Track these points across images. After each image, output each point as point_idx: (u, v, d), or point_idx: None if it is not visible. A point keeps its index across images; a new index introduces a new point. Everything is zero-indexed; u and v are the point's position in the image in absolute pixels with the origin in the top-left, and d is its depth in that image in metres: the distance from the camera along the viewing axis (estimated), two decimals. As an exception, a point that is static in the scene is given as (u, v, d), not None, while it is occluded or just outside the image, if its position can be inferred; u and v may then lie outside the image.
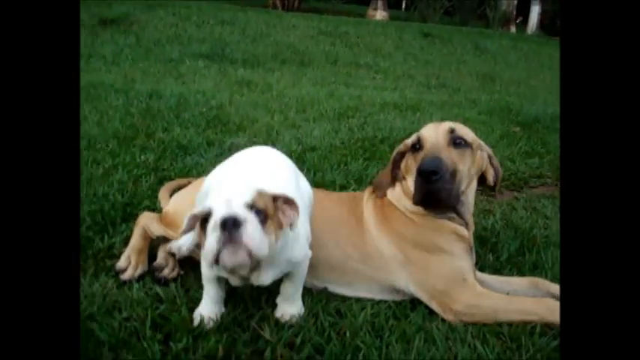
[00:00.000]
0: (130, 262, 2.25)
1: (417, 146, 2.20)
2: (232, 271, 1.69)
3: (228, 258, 1.54)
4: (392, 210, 2.23)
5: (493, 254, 2.56)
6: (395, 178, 2.31)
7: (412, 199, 2.13)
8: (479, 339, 1.87)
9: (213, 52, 8.91)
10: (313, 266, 2.17)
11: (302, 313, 1.98)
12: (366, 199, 2.34)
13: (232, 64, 8.38)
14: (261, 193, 1.64)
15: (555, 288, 2.23)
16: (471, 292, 2.05)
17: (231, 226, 1.52)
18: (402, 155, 2.32)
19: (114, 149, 3.82)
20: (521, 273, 2.41)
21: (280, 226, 1.70)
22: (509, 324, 1.96)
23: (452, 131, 2.16)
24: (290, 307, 1.97)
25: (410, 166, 2.24)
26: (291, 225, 1.71)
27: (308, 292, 2.13)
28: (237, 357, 1.71)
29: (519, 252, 2.63)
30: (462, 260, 2.14)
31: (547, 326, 1.96)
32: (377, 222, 2.24)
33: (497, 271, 2.41)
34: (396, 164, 2.32)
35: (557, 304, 2.02)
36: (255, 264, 1.65)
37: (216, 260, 1.56)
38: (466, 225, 2.22)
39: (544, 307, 2.01)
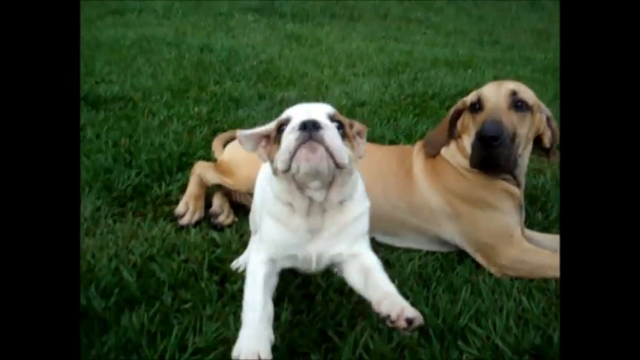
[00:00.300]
0: (188, 208, 2.36)
1: (477, 106, 2.15)
2: (307, 179, 1.48)
3: (306, 155, 1.37)
4: (443, 165, 2.24)
5: (542, 213, 2.55)
6: (451, 137, 2.28)
7: (470, 161, 2.13)
8: (524, 293, 1.90)
9: (262, 6, 8.89)
10: None
11: None
12: (416, 152, 2.35)
13: (281, 18, 8.36)
14: (337, 113, 1.56)
15: (604, 248, 2.22)
16: (517, 248, 2.07)
17: (311, 127, 1.38)
18: (459, 114, 2.28)
19: (168, 101, 3.93)
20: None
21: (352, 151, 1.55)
22: (557, 281, 1.98)
23: (514, 93, 2.10)
24: None
25: (467, 125, 2.21)
26: (360, 156, 1.63)
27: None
28: (289, 299, 1.80)
29: (569, 211, 2.61)
30: (510, 217, 2.15)
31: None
32: (426, 175, 2.25)
33: (545, 229, 2.41)
34: (453, 122, 2.29)
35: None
36: (332, 176, 1.50)
37: (291, 162, 1.40)
38: (518, 184, 2.21)
39: None
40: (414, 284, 1.91)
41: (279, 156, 1.42)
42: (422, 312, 1.67)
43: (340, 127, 1.50)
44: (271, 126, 1.58)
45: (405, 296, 1.80)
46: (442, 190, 2.20)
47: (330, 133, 1.40)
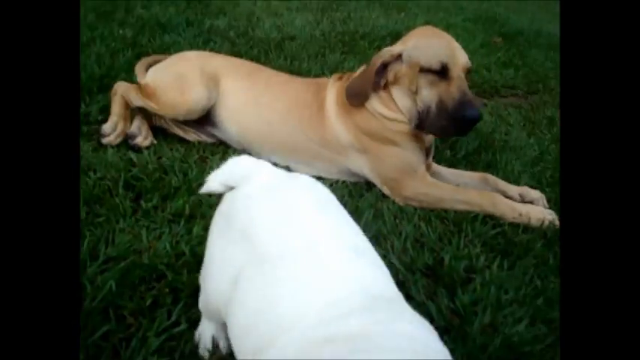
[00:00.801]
0: (115, 128, 2.35)
1: (440, 72, 2.17)
2: None
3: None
4: None
5: (451, 151, 2.72)
6: (376, 88, 2.29)
7: (418, 125, 2.24)
8: (424, 220, 2.05)
9: None
10: (277, 143, 2.34)
11: None
12: (330, 86, 2.42)
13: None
14: None
15: (503, 185, 2.41)
16: (420, 182, 2.22)
17: None
18: (385, 66, 2.27)
19: (92, 22, 3.79)
20: (475, 170, 2.57)
21: None
22: (455, 211, 2.15)
23: (469, 70, 2.25)
24: None
25: (406, 80, 2.22)
26: None
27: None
28: (202, 216, 1.87)
29: (476, 151, 2.78)
30: (415, 155, 2.28)
31: (488, 216, 2.15)
32: (338, 111, 2.34)
33: (452, 165, 2.57)
34: (379, 74, 2.27)
35: (501, 199, 2.20)
36: None
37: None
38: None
39: (488, 200, 2.19)
40: (323, 208, 2.02)
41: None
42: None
43: None
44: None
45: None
46: (352, 126, 2.30)
47: None
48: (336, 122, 2.33)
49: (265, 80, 2.52)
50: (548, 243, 2.02)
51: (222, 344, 1.35)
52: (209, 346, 1.34)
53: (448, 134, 2.31)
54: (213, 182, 1.31)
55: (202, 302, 1.32)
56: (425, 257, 1.80)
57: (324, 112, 2.36)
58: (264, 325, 0.92)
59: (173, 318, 1.45)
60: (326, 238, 1.03)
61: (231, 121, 2.48)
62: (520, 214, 2.15)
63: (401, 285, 1.64)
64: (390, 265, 1.71)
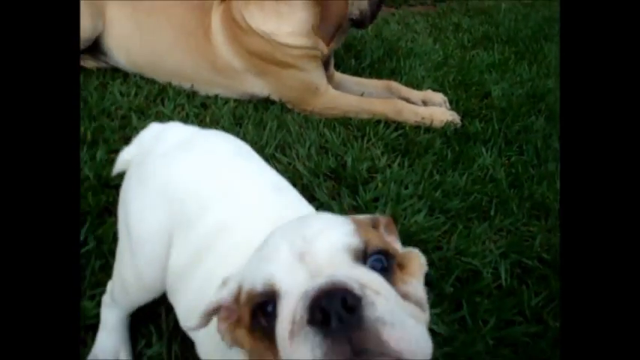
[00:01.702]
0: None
1: None
2: None
3: None
4: (243, 29, 2.23)
5: (356, 60, 2.74)
6: None
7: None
8: (329, 128, 2.09)
9: None
10: (168, 72, 2.31)
11: None
12: (215, 9, 2.33)
13: None
14: (356, 219, 0.73)
15: (406, 91, 2.47)
16: (324, 97, 2.25)
17: (345, 312, 0.54)
18: None
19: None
20: (380, 78, 2.61)
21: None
22: (361, 119, 2.20)
23: None
24: None
25: None
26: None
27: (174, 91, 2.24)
28: (105, 140, 1.82)
29: (381, 59, 2.82)
30: (313, 74, 2.28)
31: (393, 122, 2.22)
32: (225, 36, 2.27)
33: (357, 74, 2.60)
34: None
35: (404, 105, 2.26)
36: None
37: None
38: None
39: (392, 108, 2.24)
40: (226, 121, 2.02)
41: None
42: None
43: (378, 258, 0.64)
44: (224, 293, 0.71)
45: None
46: (243, 52, 2.25)
47: (388, 310, 0.56)
48: (225, 48, 2.27)
49: (149, 7, 2.38)
50: (447, 141, 2.11)
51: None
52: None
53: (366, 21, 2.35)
54: (124, 156, 1.26)
55: (121, 287, 1.15)
56: (329, 161, 1.85)
57: (210, 38, 2.28)
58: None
59: (81, 237, 1.44)
60: (244, 180, 1.03)
61: (120, 51, 2.38)
62: (423, 118, 2.22)
63: (305, 188, 1.69)
64: (295, 172, 1.76)
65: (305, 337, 0.53)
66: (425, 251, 1.50)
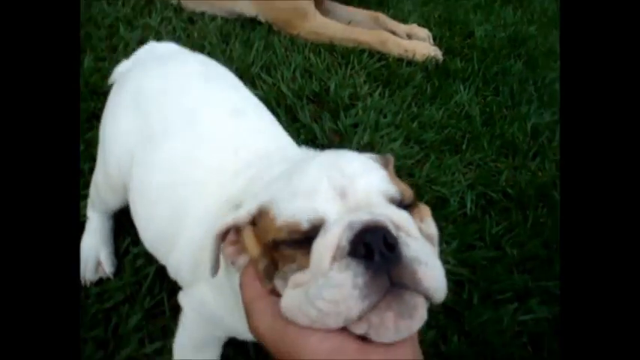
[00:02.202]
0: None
1: None
2: None
3: (395, 325, 0.57)
4: None
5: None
6: None
7: None
8: (314, 52, 2.12)
9: None
10: None
11: None
12: None
13: None
14: (386, 158, 0.79)
15: (393, 24, 2.49)
16: (311, 22, 2.27)
17: (386, 249, 0.58)
18: None
19: None
20: (367, 9, 2.62)
21: None
22: (347, 47, 2.23)
23: None
24: None
25: None
26: None
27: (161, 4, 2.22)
28: (92, 49, 1.82)
29: (370, -10, 2.82)
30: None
31: (377, 52, 2.25)
32: None
33: (346, 3, 2.60)
34: None
35: (388, 36, 2.30)
36: None
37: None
38: None
39: (377, 39, 2.27)
40: (213, 38, 2.03)
41: (315, 297, 0.59)
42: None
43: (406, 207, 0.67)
44: (242, 214, 0.73)
45: (203, 47, 1.93)
46: None
47: (419, 248, 0.61)
48: None
49: None
50: (427, 75, 2.17)
51: (106, 266, 1.25)
52: (90, 275, 1.23)
53: None
54: (119, 69, 1.31)
55: (94, 188, 1.23)
56: (312, 85, 1.90)
57: None
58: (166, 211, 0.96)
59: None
60: (205, 106, 1.04)
61: None
62: (406, 50, 2.26)
63: (289, 110, 1.75)
64: (279, 93, 1.80)
65: (347, 266, 0.57)
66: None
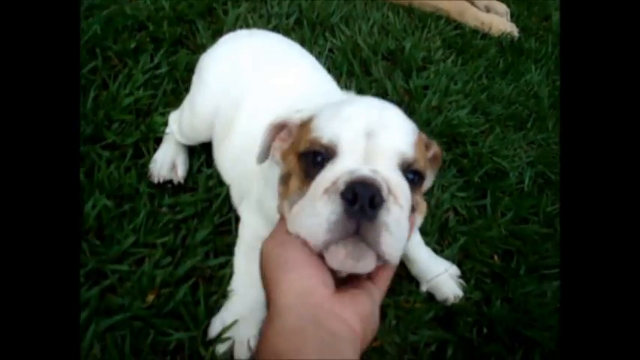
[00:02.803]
0: None
1: None
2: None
3: (345, 260, 0.69)
4: None
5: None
6: None
7: None
8: (393, 11, 2.13)
9: None
10: None
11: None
12: None
13: None
14: (419, 135, 0.83)
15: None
16: None
17: (367, 204, 0.67)
18: None
19: None
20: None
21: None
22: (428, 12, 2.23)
23: None
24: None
25: None
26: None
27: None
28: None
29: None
30: None
31: (453, 20, 2.25)
32: None
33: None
34: None
35: (468, 7, 2.29)
36: None
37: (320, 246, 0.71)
38: None
39: (456, 9, 2.27)
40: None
41: (300, 218, 0.72)
42: (300, 7, 1.85)
43: (415, 175, 0.78)
44: (296, 116, 0.86)
45: None
46: None
47: (396, 220, 0.69)
48: None
49: None
50: (502, 50, 2.16)
51: (180, 170, 1.33)
52: (165, 173, 1.31)
53: None
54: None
55: (179, 120, 1.34)
56: (388, 43, 1.92)
57: None
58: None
59: (156, 61, 1.55)
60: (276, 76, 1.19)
61: None
62: (483, 23, 2.26)
63: (363, 63, 1.78)
64: (355, 45, 1.83)
65: (333, 200, 0.67)
66: (462, 143, 1.62)
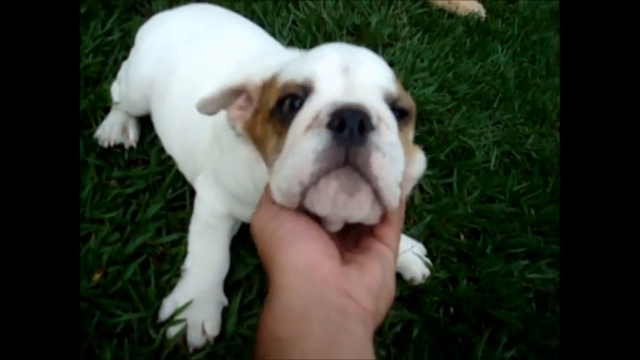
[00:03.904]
0: None
1: None
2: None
3: (337, 198, 0.58)
4: None
5: None
6: None
7: None
8: None
9: None
10: None
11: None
12: None
13: None
14: (398, 82, 0.72)
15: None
16: None
17: (355, 128, 0.58)
18: None
19: None
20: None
21: None
22: None
23: None
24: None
25: None
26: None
27: None
28: None
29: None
30: None
31: (420, -3, 2.21)
32: None
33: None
34: None
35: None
36: None
37: (305, 193, 0.60)
38: None
39: None
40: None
41: (282, 167, 0.61)
42: None
43: (402, 113, 0.68)
44: (256, 78, 0.77)
45: (250, -41, 1.87)
46: None
47: (388, 142, 0.60)
48: None
49: None
50: (468, 30, 2.12)
51: (131, 134, 1.27)
52: (116, 136, 1.25)
53: None
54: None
55: (119, 90, 1.28)
56: (354, 18, 1.85)
57: None
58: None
59: (107, 27, 1.45)
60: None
61: None
62: (450, 2, 2.22)
63: (328, 37, 1.71)
64: (319, 19, 1.76)
65: (317, 133, 0.58)
66: (429, 121, 1.58)
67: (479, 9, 2.25)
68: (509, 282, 1.25)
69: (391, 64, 1.72)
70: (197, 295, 1.00)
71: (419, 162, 0.68)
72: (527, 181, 1.54)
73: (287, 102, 0.65)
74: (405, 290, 1.15)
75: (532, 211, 1.45)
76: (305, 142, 0.59)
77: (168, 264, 1.06)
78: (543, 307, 1.26)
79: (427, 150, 1.49)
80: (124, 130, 1.24)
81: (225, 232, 1.06)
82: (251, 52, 1.05)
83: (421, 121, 1.59)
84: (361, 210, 0.59)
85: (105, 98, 1.30)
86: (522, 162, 1.61)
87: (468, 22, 2.17)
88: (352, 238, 0.66)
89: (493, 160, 1.56)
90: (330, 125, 0.58)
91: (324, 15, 1.79)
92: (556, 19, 2.56)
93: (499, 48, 2.09)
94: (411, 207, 1.32)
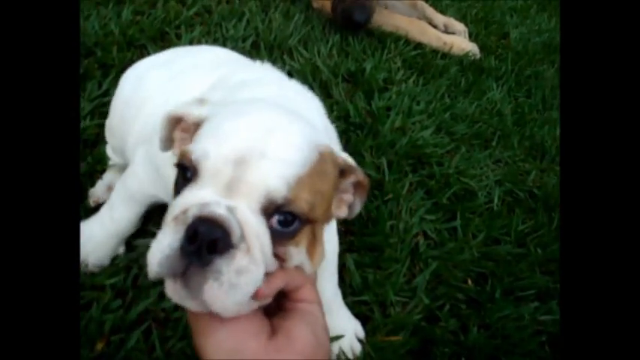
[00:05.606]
0: None
1: None
2: None
3: (173, 293, 0.61)
4: None
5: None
6: None
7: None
8: (351, 33, 2.10)
9: None
10: None
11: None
12: None
13: None
14: (329, 154, 0.70)
15: (431, 12, 2.47)
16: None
17: (206, 249, 0.58)
18: None
19: None
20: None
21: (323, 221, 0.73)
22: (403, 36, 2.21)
23: None
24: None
25: None
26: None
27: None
28: (132, 0, 1.80)
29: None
30: None
31: (412, 40, 2.23)
32: None
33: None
34: None
35: (428, 27, 2.27)
36: None
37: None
38: None
39: (416, 27, 2.25)
40: (254, 6, 2.00)
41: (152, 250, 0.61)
42: (256, 29, 1.80)
43: (290, 219, 0.64)
44: (195, 112, 0.74)
45: (243, 15, 1.90)
46: None
47: (236, 269, 0.59)
48: None
49: None
50: (462, 69, 2.14)
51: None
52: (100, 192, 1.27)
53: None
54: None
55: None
56: (348, 64, 1.87)
57: None
58: None
59: (104, 88, 1.46)
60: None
61: None
62: (445, 43, 2.24)
63: (324, 85, 1.72)
64: (314, 68, 1.78)
65: (174, 231, 0.59)
66: (428, 164, 1.57)
67: (473, 48, 2.27)
68: (521, 326, 1.22)
69: (388, 109, 1.74)
70: (99, 237, 1.11)
71: (318, 256, 0.69)
72: (532, 220, 1.52)
73: (181, 170, 0.65)
74: (416, 344, 1.13)
75: (538, 250, 1.43)
76: (165, 235, 0.60)
77: (171, 330, 1.03)
78: (557, 349, 1.23)
79: (429, 194, 1.48)
80: (109, 189, 1.24)
81: (144, 207, 1.12)
82: (223, 71, 1.05)
83: (421, 164, 1.59)
84: (196, 306, 0.59)
85: (102, 160, 1.29)
86: (525, 199, 1.60)
87: (462, 61, 2.19)
88: (273, 304, 0.65)
89: (496, 200, 1.55)
90: (186, 230, 0.58)
91: (319, 63, 1.81)
92: (549, 51, 2.59)
93: (494, 85, 2.11)
94: (416, 254, 1.30)
